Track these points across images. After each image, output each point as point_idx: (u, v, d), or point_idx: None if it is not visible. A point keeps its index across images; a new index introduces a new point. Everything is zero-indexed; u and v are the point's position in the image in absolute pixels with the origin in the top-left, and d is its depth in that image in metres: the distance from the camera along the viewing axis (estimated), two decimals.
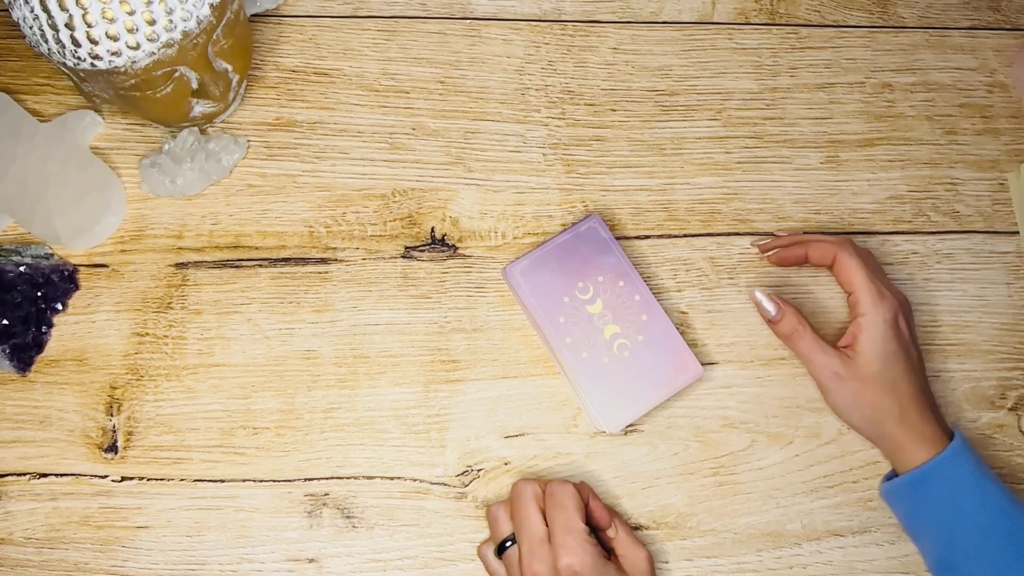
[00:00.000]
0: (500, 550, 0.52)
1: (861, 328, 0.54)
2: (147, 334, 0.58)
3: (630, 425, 0.58)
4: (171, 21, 0.50)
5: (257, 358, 0.58)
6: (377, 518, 0.56)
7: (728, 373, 0.60)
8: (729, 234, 0.63)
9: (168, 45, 0.51)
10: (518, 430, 0.58)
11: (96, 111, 0.61)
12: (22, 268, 0.58)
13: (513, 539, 0.51)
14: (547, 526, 0.50)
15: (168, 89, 0.54)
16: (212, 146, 0.60)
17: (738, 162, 0.64)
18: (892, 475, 0.56)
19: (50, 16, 0.48)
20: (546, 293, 0.58)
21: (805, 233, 0.62)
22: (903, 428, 0.53)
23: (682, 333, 0.58)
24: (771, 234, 0.62)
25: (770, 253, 0.60)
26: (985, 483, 0.52)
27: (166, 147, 0.60)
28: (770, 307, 0.56)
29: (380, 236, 0.61)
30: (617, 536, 0.53)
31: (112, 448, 0.56)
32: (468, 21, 0.66)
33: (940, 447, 0.53)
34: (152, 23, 0.49)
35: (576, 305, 0.58)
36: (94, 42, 0.49)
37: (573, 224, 0.60)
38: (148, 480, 0.56)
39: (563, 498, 0.51)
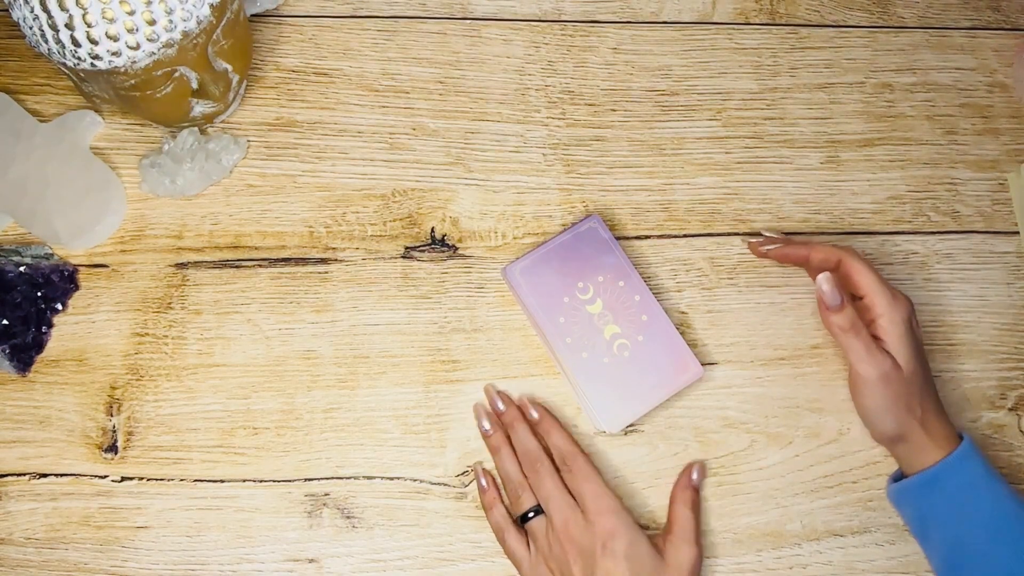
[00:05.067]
0: (523, 519, 0.53)
1: (883, 330, 0.53)
2: (147, 334, 0.58)
3: (630, 425, 0.58)
4: (171, 21, 0.50)
5: (257, 358, 0.58)
6: (377, 518, 0.56)
7: (728, 373, 0.60)
8: (729, 234, 0.63)
9: (168, 45, 0.51)
10: None
11: (96, 111, 0.61)
12: (22, 268, 0.58)
13: (536, 510, 0.53)
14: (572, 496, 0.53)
15: (168, 89, 0.54)
16: (212, 146, 0.60)
17: (738, 162, 0.64)
18: (898, 476, 0.56)
19: (50, 16, 0.48)
20: (546, 293, 0.58)
21: (798, 235, 0.62)
22: (924, 429, 0.53)
23: (682, 333, 0.58)
24: (759, 233, 0.62)
25: (769, 248, 0.59)
26: (995, 485, 0.52)
27: (166, 147, 0.60)
28: (834, 296, 0.52)
29: (380, 236, 0.61)
30: (676, 524, 0.54)
31: (112, 448, 0.56)
32: (468, 21, 0.66)
33: (951, 447, 0.53)
34: (152, 23, 0.49)
35: (576, 305, 0.58)
36: (94, 42, 0.49)
37: (573, 224, 0.60)
38: (148, 480, 0.56)
39: (587, 471, 0.53)
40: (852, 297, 0.55)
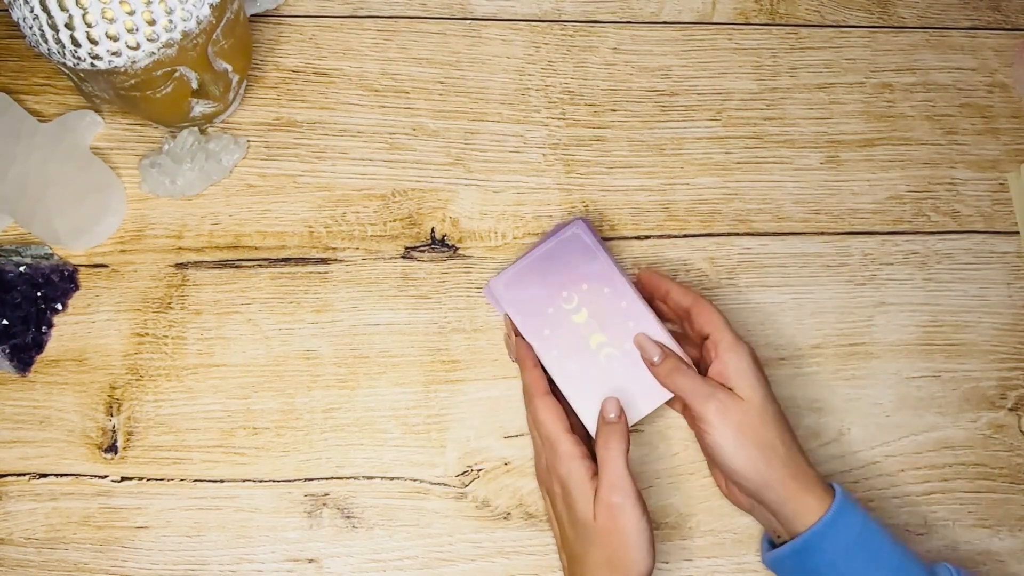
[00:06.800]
0: None
1: (726, 363, 0.52)
2: (147, 334, 0.58)
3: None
4: (171, 21, 0.50)
5: (257, 358, 0.58)
6: (377, 518, 0.56)
7: None
8: (729, 234, 0.63)
9: (168, 45, 0.51)
10: (518, 430, 0.58)
11: (96, 111, 0.61)
12: (22, 268, 0.58)
13: None
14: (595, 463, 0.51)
15: (168, 89, 0.54)
16: (212, 146, 0.60)
17: (738, 162, 0.64)
18: (769, 543, 0.54)
19: (50, 16, 0.48)
20: (529, 307, 0.56)
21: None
22: (789, 472, 0.50)
23: None
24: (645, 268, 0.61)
25: (644, 270, 0.59)
26: (874, 541, 0.49)
27: (166, 147, 0.60)
28: (652, 349, 0.54)
29: (380, 236, 0.61)
30: (603, 470, 0.50)
31: (112, 448, 0.56)
32: (468, 21, 0.66)
33: (824, 500, 0.49)
34: (152, 23, 0.49)
35: (560, 316, 0.56)
36: (94, 42, 0.49)
37: (557, 228, 0.59)
38: (148, 480, 0.56)
39: (537, 417, 0.53)
40: (702, 338, 0.54)
